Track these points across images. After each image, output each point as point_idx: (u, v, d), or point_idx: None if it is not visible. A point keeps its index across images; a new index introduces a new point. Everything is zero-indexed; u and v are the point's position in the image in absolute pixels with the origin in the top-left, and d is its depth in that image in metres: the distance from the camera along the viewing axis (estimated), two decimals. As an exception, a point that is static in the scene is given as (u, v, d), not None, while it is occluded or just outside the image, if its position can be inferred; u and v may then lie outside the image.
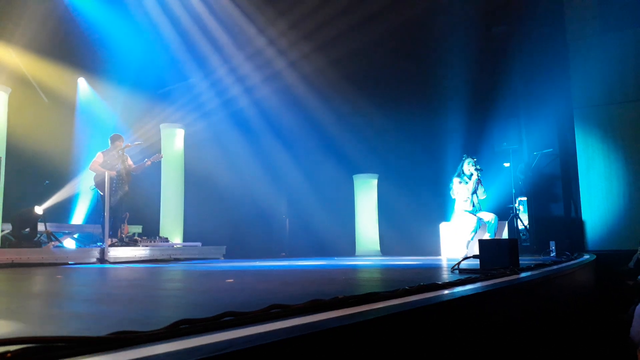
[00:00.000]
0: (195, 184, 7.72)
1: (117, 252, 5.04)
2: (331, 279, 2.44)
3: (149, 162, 5.74)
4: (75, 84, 7.81)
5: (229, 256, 6.46)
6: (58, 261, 4.53)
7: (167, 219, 7.25)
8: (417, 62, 7.76)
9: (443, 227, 6.17)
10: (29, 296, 1.89)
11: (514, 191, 7.01)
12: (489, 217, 5.46)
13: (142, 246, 5.53)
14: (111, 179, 5.27)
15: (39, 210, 5.14)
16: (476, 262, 2.76)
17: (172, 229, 7.14)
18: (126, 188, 5.63)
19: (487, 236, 5.31)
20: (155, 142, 7.41)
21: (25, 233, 5.00)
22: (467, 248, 5.37)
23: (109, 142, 5.67)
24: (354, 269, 3.50)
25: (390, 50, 7.61)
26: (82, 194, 7.16)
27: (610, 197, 6.23)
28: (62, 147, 7.10)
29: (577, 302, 3.17)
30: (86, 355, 0.67)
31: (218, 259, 6.21)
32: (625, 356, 2.98)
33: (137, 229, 7.19)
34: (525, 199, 7.47)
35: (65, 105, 7.46)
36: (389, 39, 7.27)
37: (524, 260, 3.16)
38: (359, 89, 7.97)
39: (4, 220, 5.33)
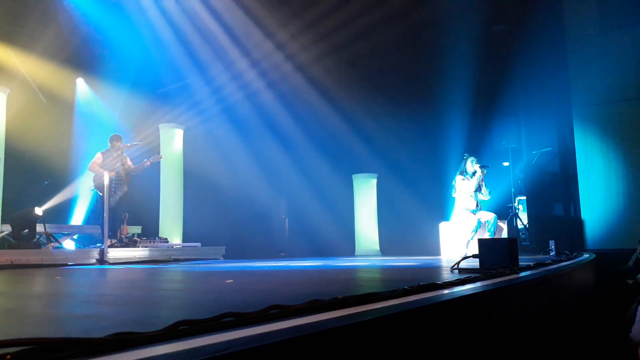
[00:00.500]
0: (195, 185, 7.71)
1: (117, 253, 5.03)
2: (331, 279, 2.44)
3: (148, 163, 5.72)
4: (74, 84, 7.78)
5: (228, 257, 6.45)
6: (57, 262, 4.53)
7: (166, 219, 7.24)
8: (416, 62, 7.77)
9: (443, 226, 6.17)
10: (28, 297, 1.89)
11: (513, 190, 7.01)
12: (488, 216, 5.46)
13: (142, 247, 5.52)
14: (110, 179, 5.25)
15: (38, 211, 5.13)
16: (476, 262, 2.76)
17: (172, 230, 7.13)
18: (125, 189, 5.62)
19: (486, 236, 5.30)
20: (154, 143, 7.39)
21: (24, 234, 4.99)
22: (467, 248, 5.37)
23: (108, 142, 5.65)
24: (354, 269, 3.50)
25: (390, 50, 7.61)
26: (82, 195, 7.15)
27: (609, 195, 6.23)
28: (60, 148, 7.08)
29: (577, 302, 3.17)
30: (86, 357, 0.67)
31: (217, 259, 6.21)
32: (625, 355, 2.98)
33: (137, 229, 7.18)
34: (524, 198, 7.47)
35: (64, 106, 7.44)
36: (389, 39, 7.27)
37: (523, 259, 3.16)
38: (358, 89, 7.97)
39: (3, 222, 5.32)
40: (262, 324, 0.91)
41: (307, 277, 2.67)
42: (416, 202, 7.65)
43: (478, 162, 5.50)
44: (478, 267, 2.65)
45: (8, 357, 0.64)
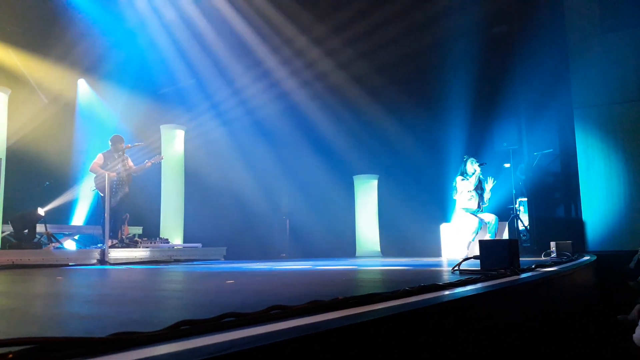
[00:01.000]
0: (196, 185, 7.71)
1: (118, 254, 5.03)
2: (331, 280, 2.44)
3: (149, 164, 5.72)
4: (75, 84, 7.79)
5: (229, 257, 6.45)
6: (58, 262, 4.54)
7: (167, 220, 7.23)
8: (417, 63, 7.76)
9: (444, 228, 6.16)
10: (29, 297, 1.89)
11: (514, 192, 7.00)
12: (489, 217, 5.46)
13: (143, 247, 5.52)
14: (111, 180, 5.25)
15: (41, 212, 5.13)
16: (477, 263, 2.76)
17: (173, 230, 7.13)
18: (126, 189, 5.61)
19: (487, 237, 5.30)
20: (155, 143, 7.39)
21: (25, 234, 4.99)
22: (468, 249, 5.37)
23: (110, 143, 5.65)
24: (354, 270, 3.50)
25: (391, 50, 7.61)
26: (83, 195, 7.15)
27: (610, 197, 6.22)
28: (62, 148, 7.08)
29: (578, 303, 3.16)
30: (88, 357, 0.67)
31: (219, 260, 6.20)
32: (627, 358, 2.97)
33: (138, 230, 7.18)
34: (525, 199, 7.47)
35: (65, 106, 7.45)
36: (389, 40, 7.27)
37: (524, 261, 3.15)
38: (359, 90, 7.97)
39: (4, 222, 5.33)
40: (263, 325, 0.91)
41: (308, 278, 2.67)
42: (417, 203, 7.64)
43: (478, 161, 5.54)
44: (479, 268, 2.64)
45: (10, 356, 0.64)
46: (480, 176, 5.50)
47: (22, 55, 6.67)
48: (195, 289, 2.17)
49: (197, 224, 7.48)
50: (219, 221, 7.74)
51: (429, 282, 1.67)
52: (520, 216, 7.00)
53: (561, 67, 6.69)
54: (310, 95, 8.07)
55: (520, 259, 2.75)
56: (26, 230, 5.00)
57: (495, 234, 5.40)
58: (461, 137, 7.41)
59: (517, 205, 7.00)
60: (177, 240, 7.05)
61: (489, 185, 5.50)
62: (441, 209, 6.95)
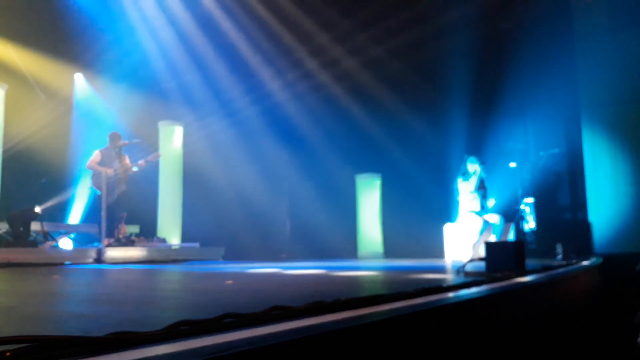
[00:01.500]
0: (194, 183, 7.60)
1: (114, 253, 4.96)
2: (331, 280, 2.42)
3: (145, 162, 5.62)
4: (72, 80, 7.65)
5: (228, 257, 6.38)
6: (54, 261, 4.49)
7: (164, 219, 7.12)
8: (421, 61, 7.70)
9: (447, 228, 6.11)
10: (26, 296, 1.89)
11: (520, 192, 6.93)
12: (494, 218, 5.41)
13: (139, 247, 5.43)
14: (108, 177, 5.16)
15: (38, 209, 5.09)
16: (482, 265, 2.73)
17: (170, 229, 7.02)
18: (124, 187, 5.49)
19: (492, 238, 5.26)
20: (153, 140, 7.29)
21: (20, 232, 4.93)
22: (474, 250, 5.32)
23: (108, 139, 5.57)
24: (355, 271, 3.48)
25: (393, 49, 7.56)
26: (79, 193, 7.09)
27: (617, 198, 6.15)
28: (59, 145, 6.95)
29: (584, 306, 3.13)
30: (86, 356, 0.66)
31: (217, 260, 6.15)
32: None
33: (134, 229, 7.04)
34: (531, 200, 7.39)
35: (63, 102, 7.31)
36: (390, 38, 7.23)
37: (530, 262, 3.12)
38: (361, 89, 7.92)
39: (0, 219, 5.28)
40: (262, 325, 0.90)
41: (308, 279, 2.65)
42: (420, 203, 7.58)
43: (477, 160, 5.48)
44: (485, 270, 2.62)
45: (7, 354, 0.63)
46: (482, 176, 5.44)
47: (20, 50, 6.57)
48: (194, 289, 2.16)
49: (195, 223, 7.39)
50: (218, 220, 7.66)
51: (433, 283, 1.65)
52: (526, 217, 6.92)
53: (568, 65, 6.61)
54: (311, 94, 8.03)
55: (526, 261, 2.72)
56: (21, 228, 4.95)
57: (501, 235, 5.36)
58: (466, 136, 7.34)
59: (522, 207, 6.93)
60: (174, 239, 6.94)
61: (489, 203, 5.46)
62: (444, 209, 6.89)
